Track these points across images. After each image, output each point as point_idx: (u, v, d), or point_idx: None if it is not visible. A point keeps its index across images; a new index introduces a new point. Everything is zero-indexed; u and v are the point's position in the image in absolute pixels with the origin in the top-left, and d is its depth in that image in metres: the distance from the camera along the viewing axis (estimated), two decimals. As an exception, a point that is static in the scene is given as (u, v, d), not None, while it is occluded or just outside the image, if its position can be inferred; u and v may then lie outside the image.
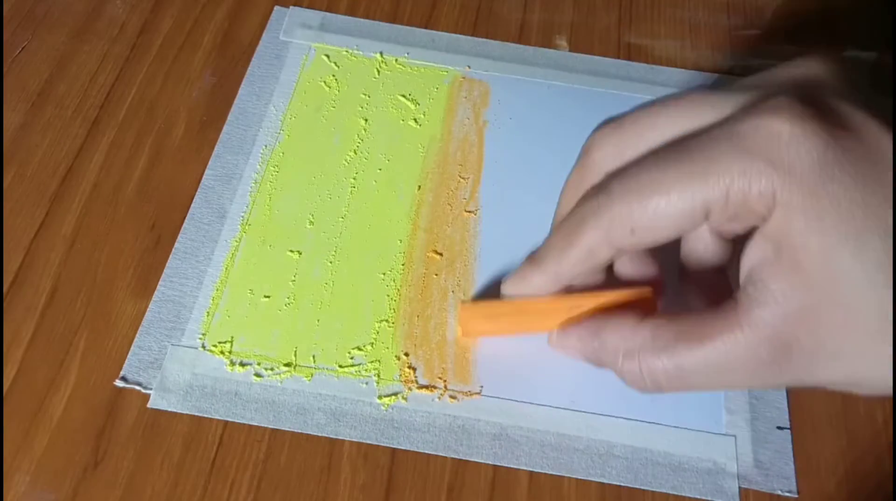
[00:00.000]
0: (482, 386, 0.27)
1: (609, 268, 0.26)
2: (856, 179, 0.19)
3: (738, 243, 0.23)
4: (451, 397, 0.27)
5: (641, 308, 0.24)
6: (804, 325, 0.20)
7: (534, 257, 0.25)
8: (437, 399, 0.27)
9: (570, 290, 0.25)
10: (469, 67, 0.36)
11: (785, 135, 0.19)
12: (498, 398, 0.27)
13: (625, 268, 0.26)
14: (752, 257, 0.21)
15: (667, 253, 0.25)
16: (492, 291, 0.29)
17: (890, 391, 0.20)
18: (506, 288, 0.26)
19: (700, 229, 0.23)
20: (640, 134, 0.22)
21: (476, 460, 0.26)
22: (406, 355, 0.28)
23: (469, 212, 0.31)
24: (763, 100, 0.20)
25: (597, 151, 0.23)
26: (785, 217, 0.19)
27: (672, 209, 0.20)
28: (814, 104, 0.19)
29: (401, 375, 0.27)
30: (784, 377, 0.21)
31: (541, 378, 0.28)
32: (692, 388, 0.22)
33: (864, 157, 0.19)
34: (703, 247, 0.24)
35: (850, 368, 0.20)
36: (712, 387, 0.22)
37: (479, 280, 0.30)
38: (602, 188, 0.22)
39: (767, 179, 0.19)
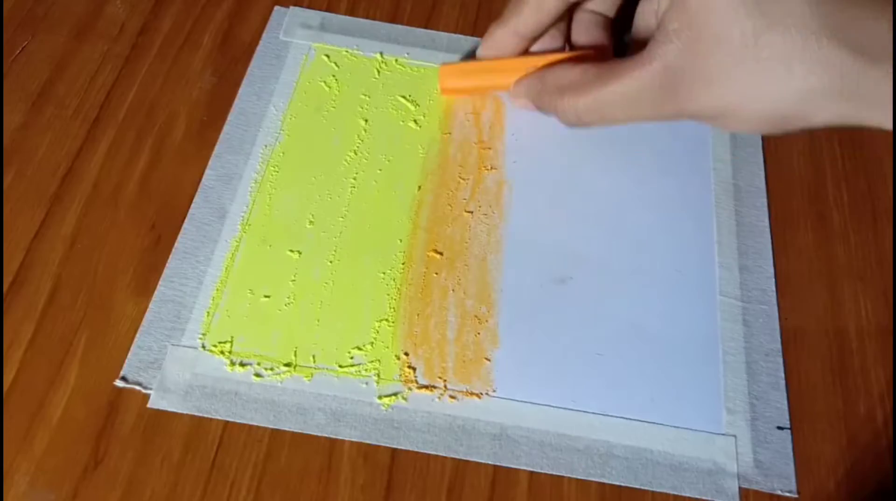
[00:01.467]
0: (496, 389, 0.27)
1: (567, 39, 0.32)
2: None
3: None
4: (451, 397, 0.27)
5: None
6: (687, 56, 0.24)
7: (499, 18, 0.30)
8: (437, 399, 0.27)
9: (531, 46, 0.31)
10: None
11: None
12: (498, 397, 0.27)
13: (580, 37, 0.31)
14: (661, 6, 0.25)
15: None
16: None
17: (756, 122, 0.24)
18: (479, 50, 0.32)
19: None
20: None
21: (476, 460, 0.26)
22: (406, 354, 0.28)
23: (469, 212, 0.31)
24: None
25: None
26: None
27: None
28: None
29: (401, 375, 0.27)
30: (674, 105, 0.25)
31: (541, 378, 0.28)
32: (607, 119, 0.27)
33: None
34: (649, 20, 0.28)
35: (720, 93, 0.24)
36: (623, 118, 0.27)
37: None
38: None
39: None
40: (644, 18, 0.29)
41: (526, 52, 0.31)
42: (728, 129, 0.26)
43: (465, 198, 0.32)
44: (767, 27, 0.22)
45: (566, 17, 0.31)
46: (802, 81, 0.22)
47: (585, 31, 0.31)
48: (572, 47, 0.31)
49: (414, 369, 0.27)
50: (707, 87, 0.24)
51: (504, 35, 0.30)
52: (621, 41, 0.32)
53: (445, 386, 0.27)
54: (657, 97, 0.25)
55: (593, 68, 0.27)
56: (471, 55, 0.35)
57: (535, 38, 0.31)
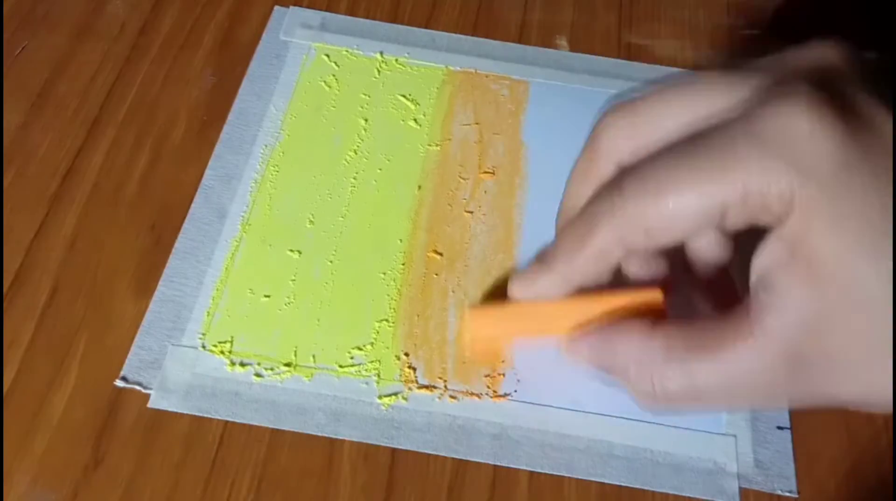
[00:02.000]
0: (496, 389, 0.27)
1: (616, 268, 0.25)
2: (875, 180, 0.18)
3: (739, 240, 0.22)
4: (451, 397, 0.27)
5: (652, 312, 0.23)
6: (819, 334, 0.19)
7: (543, 258, 0.24)
8: (437, 399, 0.27)
9: (578, 290, 0.25)
10: (476, 69, 0.36)
11: (805, 132, 0.18)
12: (499, 397, 0.27)
13: (633, 267, 0.25)
14: (764, 260, 0.20)
15: (673, 252, 0.24)
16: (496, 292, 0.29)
17: None
18: (514, 290, 0.25)
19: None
20: (652, 120, 0.21)
21: (476, 460, 0.26)
22: (406, 354, 0.28)
23: (469, 212, 0.31)
24: (780, 86, 0.19)
25: (606, 139, 0.22)
26: (803, 219, 0.18)
27: (688, 210, 0.20)
28: (831, 94, 0.19)
29: (401, 375, 0.27)
30: (799, 391, 0.20)
31: (541, 378, 0.28)
32: (705, 405, 0.21)
33: (883, 154, 0.18)
34: (706, 245, 0.23)
35: (866, 382, 0.19)
36: (725, 404, 0.21)
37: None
38: (615, 186, 0.21)
39: (787, 180, 0.18)
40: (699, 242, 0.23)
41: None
42: (872, 410, 0.21)
43: (465, 198, 0.32)
44: None
45: None
46: None
47: (638, 258, 0.24)
48: (621, 277, 0.25)
49: (414, 369, 0.27)
50: (848, 374, 0.19)
51: (551, 284, 0.23)
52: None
53: (445, 386, 0.27)
54: (775, 381, 0.19)
55: (679, 337, 0.21)
56: (497, 294, 0.29)
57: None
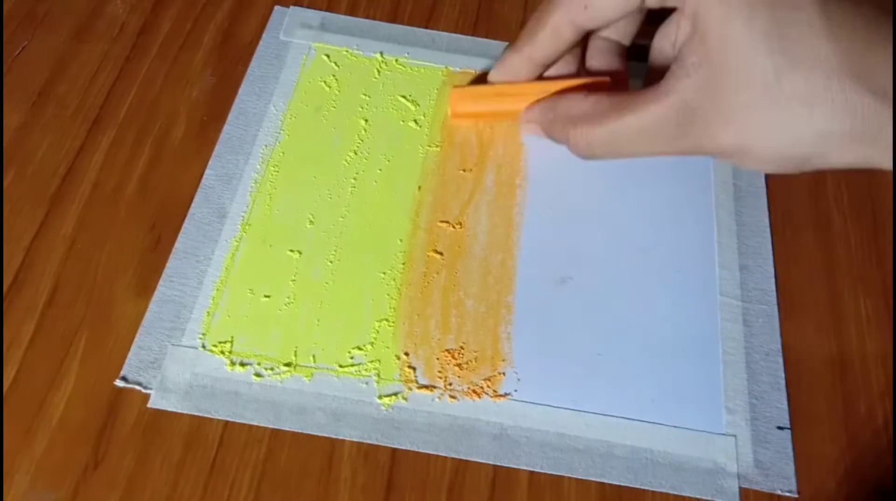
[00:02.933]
0: (496, 389, 0.27)
1: (582, 65, 0.31)
2: None
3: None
4: (451, 397, 0.27)
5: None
6: (706, 92, 0.23)
7: (512, 44, 0.30)
8: (437, 399, 0.27)
9: (541, 71, 0.31)
10: (476, 69, 0.36)
11: None
12: (499, 397, 0.27)
13: (595, 63, 0.30)
14: (679, 37, 0.24)
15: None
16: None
17: (774, 162, 0.24)
18: (491, 75, 0.31)
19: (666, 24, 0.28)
20: None
21: (476, 460, 0.26)
22: (406, 354, 0.28)
23: (468, 212, 0.31)
24: None
25: None
26: None
27: None
28: None
29: (401, 375, 0.27)
30: (690, 141, 0.24)
31: (541, 378, 0.28)
32: (621, 153, 0.27)
33: None
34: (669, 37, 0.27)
35: (739, 131, 0.23)
36: (636, 151, 0.26)
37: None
38: None
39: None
40: (661, 47, 0.29)
41: (540, 77, 0.31)
42: (744, 167, 0.26)
43: (465, 198, 0.32)
44: (789, 67, 0.22)
45: (581, 43, 0.30)
46: (824, 124, 0.22)
47: (600, 57, 0.30)
48: (587, 73, 0.31)
49: (414, 369, 0.27)
50: (725, 125, 0.23)
51: (518, 61, 0.30)
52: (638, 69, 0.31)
53: (445, 386, 0.27)
54: (673, 132, 0.25)
55: (607, 99, 0.27)
56: (481, 79, 0.34)
57: (549, 65, 0.30)
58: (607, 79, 0.30)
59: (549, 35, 0.28)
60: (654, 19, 0.29)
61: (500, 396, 0.27)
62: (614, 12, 0.27)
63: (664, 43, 0.28)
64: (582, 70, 0.31)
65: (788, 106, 0.22)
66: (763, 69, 0.22)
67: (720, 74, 0.23)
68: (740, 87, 0.22)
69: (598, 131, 0.26)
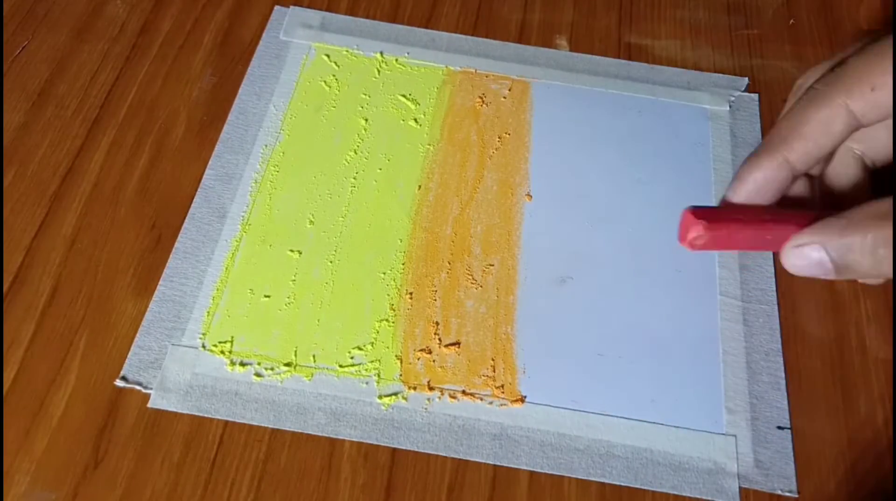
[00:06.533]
0: (496, 389, 0.27)
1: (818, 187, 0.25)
2: None
3: None
4: (451, 397, 0.27)
5: None
6: None
7: (758, 149, 0.24)
8: (437, 399, 0.27)
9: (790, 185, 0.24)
10: (476, 69, 0.36)
11: None
12: (498, 397, 0.27)
13: (841, 181, 0.25)
14: None
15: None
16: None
17: None
18: (730, 192, 0.25)
19: None
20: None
21: (476, 460, 0.26)
22: (406, 354, 0.28)
23: (469, 212, 0.31)
24: None
25: (809, 80, 0.24)
26: None
27: None
28: None
29: (401, 375, 0.27)
30: None
31: (541, 378, 0.28)
32: None
33: None
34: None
35: None
36: None
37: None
38: (836, 66, 0.22)
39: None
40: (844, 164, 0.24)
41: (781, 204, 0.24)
42: None
43: (465, 198, 0.32)
44: None
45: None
46: None
47: (845, 171, 0.25)
48: (827, 201, 0.25)
49: (414, 369, 0.27)
50: None
51: (771, 169, 0.23)
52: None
53: (445, 386, 0.27)
54: None
55: None
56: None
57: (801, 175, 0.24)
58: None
59: (820, 129, 0.22)
60: None
61: (501, 396, 0.27)
62: None
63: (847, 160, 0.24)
64: (818, 196, 0.25)
65: None
66: None
67: None
68: None
69: None
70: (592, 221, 0.31)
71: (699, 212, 0.24)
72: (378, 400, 0.27)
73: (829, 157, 0.25)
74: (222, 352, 0.27)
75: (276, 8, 0.37)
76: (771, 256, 0.31)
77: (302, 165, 0.32)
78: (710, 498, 0.26)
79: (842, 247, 0.22)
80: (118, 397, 0.26)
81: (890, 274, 0.21)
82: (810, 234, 0.22)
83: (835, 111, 0.22)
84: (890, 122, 0.23)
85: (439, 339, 0.28)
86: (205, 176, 0.32)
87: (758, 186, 0.24)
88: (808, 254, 0.23)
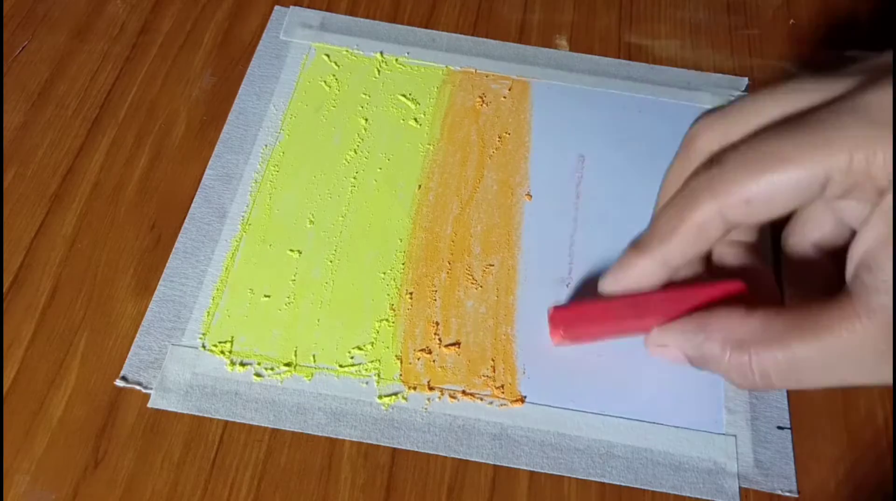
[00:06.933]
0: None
1: (707, 262, 0.26)
2: None
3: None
4: (451, 397, 0.27)
5: (746, 303, 0.23)
6: None
7: (638, 244, 0.24)
8: (437, 399, 0.27)
9: (670, 278, 0.25)
10: (476, 69, 0.36)
11: None
12: (498, 397, 0.27)
13: (728, 259, 0.25)
14: (866, 239, 0.20)
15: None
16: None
17: None
18: (605, 284, 0.25)
19: (815, 211, 0.23)
20: (746, 120, 0.22)
21: (476, 460, 0.26)
22: (406, 354, 0.28)
23: (469, 212, 0.31)
24: (877, 74, 0.20)
25: (701, 139, 0.23)
26: None
27: (791, 179, 0.20)
28: None
29: (401, 375, 0.27)
30: None
31: (541, 378, 0.28)
32: (803, 383, 0.21)
33: None
34: (822, 231, 0.24)
35: None
36: (825, 382, 0.21)
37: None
38: (715, 161, 0.22)
39: (892, 147, 0.18)
40: (800, 245, 0.24)
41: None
42: None
43: (465, 198, 0.32)
44: None
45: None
46: None
47: (731, 252, 0.25)
48: (715, 273, 0.25)
49: (414, 369, 0.27)
50: None
51: (645, 267, 0.24)
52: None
53: (445, 386, 0.27)
54: (879, 360, 0.20)
55: (779, 318, 0.21)
56: (582, 289, 0.29)
57: (680, 269, 0.25)
58: (743, 285, 0.24)
59: (694, 234, 0.22)
60: None
61: (501, 396, 0.27)
62: (785, 208, 0.21)
63: (805, 240, 0.24)
64: (706, 271, 0.26)
65: None
66: None
67: None
68: None
69: (776, 358, 0.21)
70: (593, 221, 0.31)
71: (561, 313, 0.26)
72: (378, 400, 0.27)
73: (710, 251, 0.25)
74: (222, 352, 0.27)
75: (276, 8, 0.37)
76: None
77: (302, 164, 0.32)
78: (710, 498, 0.26)
79: (697, 349, 0.23)
80: (118, 397, 0.26)
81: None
82: (668, 335, 0.24)
83: (710, 218, 0.22)
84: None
85: (439, 339, 0.28)
86: (205, 176, 0.32)
87: (637, 280, 0.24)
88: (667, 352, 0.24)
